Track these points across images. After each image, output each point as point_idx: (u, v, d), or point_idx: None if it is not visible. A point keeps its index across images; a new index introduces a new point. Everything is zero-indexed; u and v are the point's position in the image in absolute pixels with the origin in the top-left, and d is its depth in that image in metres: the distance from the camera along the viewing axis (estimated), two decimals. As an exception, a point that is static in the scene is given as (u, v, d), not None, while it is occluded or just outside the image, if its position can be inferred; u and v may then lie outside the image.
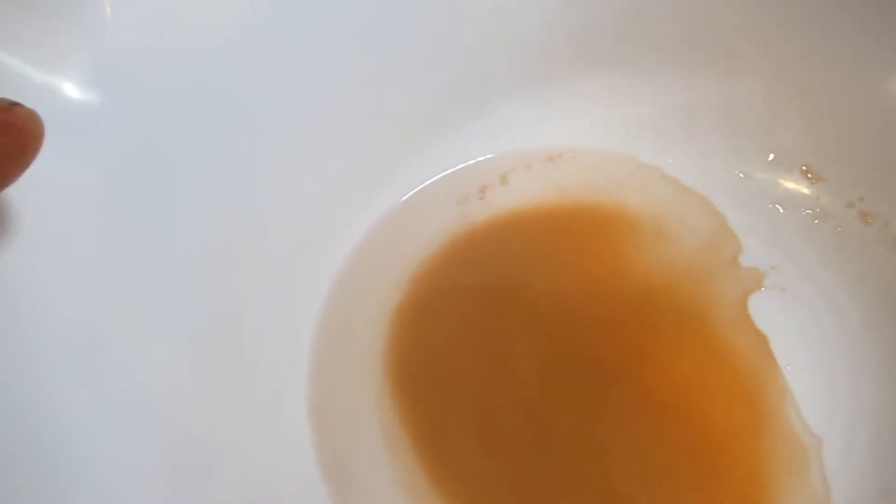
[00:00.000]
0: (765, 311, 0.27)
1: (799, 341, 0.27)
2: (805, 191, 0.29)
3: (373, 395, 0.27)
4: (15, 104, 0.17)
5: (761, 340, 0.27)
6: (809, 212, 0.29)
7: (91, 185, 0.22)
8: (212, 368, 0.24)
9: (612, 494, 0.25)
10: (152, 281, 0.23)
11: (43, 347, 0.20)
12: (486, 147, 0.31)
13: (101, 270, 0.22)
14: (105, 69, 0.22)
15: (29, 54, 0.21)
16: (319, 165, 0.28)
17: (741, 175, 0.30)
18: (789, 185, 0.29)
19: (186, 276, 0.24)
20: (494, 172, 0.30)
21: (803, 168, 0.29)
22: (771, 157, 0.29)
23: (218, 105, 0.25)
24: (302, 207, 0.28)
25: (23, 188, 0.19)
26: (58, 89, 0.21)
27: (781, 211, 0.29)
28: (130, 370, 0.22)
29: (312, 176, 0.28)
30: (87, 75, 0.22)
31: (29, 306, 0.20)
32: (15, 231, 0.20)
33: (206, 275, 0.25)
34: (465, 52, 0.29)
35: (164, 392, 0.22)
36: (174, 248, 0.24)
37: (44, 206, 0.20)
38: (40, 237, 0.20)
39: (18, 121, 0.17)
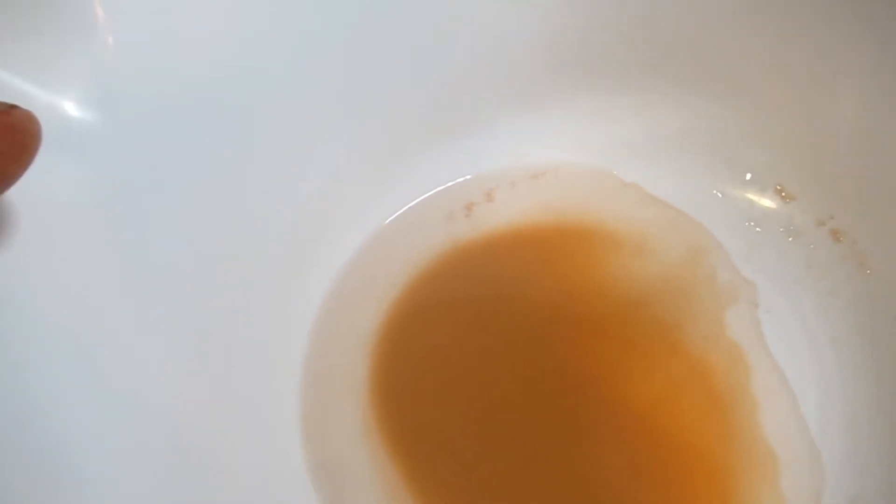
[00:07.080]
0: (740, 326, 0.28)
1: (772, 356, 0.27)
2: (779, 209, 0.29)
3: (361, 407, 0.27)
4: (13, 106, 0.18)
5: (736, 354, 0.27)
6: (783, 230, 0.29)
7: (87, 202, 0.22)
8: (202, 379, 0.24)
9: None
10: (145, 296, 0.23)
11: (32, 355, 0.20)
12: (472, 166, 0.31)
13: (94, 284, 0.22)
14: (104, 89, 0.22)
15: (30, 73, 0.21)
16: (308, 185, 0.28)
17: (719, 194, 0.30)
18: (764, 204, 0.30)
19: (179, 291, 0.24)
20: (480, 190, 0.31)
21: (777, 187, 0.30)
22: (748, 176, 0.30)
23: (211, 127, 0.25)
24: (293, 225, 0.28)
25: (20, 202, 0.20)
26: (58, 108, 0.21)
27: (757, 229, 0.29)
28: (120, 380, 0.22)
29: (302, 195, 0.28)
30: (86, 95, 0.22)
31: (23, 315, 0.20)
32: (10, 244, 0.20)
33: (198, 290, 0.25)
34: (450, 72, 0.29)
35: (155, 401, 0.23)
36: (166, 264, 0.24)
37: (40, 221, 0.21)
38: (35, 251, 0.21)
39: (17, 122, 0.18)
